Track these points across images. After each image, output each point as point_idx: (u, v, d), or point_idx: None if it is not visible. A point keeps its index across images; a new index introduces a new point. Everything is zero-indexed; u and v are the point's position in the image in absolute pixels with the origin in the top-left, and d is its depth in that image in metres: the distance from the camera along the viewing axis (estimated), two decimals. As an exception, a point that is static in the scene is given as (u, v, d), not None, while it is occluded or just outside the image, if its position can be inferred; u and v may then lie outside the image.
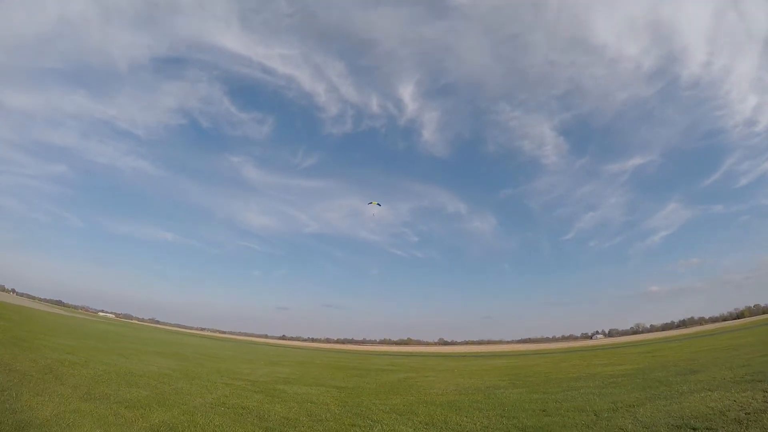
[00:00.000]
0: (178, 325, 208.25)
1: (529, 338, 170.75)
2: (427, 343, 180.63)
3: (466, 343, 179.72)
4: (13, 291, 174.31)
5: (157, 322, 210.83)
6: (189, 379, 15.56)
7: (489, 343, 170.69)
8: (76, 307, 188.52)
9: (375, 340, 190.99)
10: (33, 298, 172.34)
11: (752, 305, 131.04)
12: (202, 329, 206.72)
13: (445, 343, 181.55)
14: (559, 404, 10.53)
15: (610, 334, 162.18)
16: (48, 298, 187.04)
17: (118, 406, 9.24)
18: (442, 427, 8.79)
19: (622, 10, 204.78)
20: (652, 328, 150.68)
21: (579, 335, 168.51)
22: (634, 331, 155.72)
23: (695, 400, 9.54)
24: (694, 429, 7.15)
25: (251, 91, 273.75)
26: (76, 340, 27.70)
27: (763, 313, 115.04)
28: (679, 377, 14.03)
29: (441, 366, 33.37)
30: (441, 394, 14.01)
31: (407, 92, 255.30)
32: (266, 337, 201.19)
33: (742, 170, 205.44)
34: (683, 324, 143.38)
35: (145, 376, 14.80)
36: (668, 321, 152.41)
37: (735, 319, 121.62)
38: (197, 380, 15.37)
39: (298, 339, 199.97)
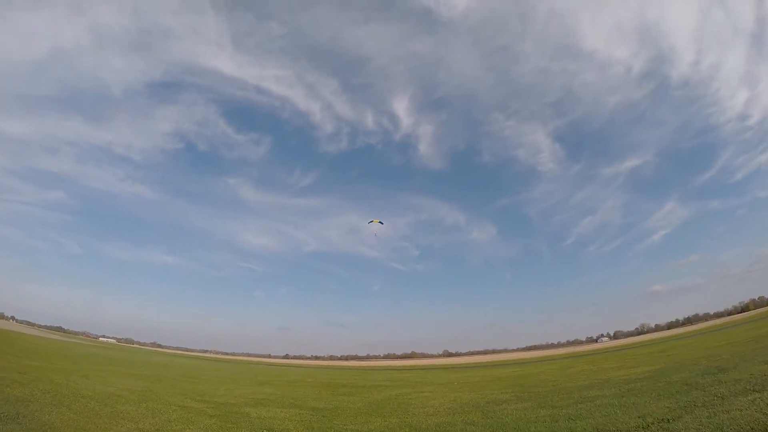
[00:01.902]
0: (180, 348, 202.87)
1: (534, 345, 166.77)
2: (432, 356, 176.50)
3: (471, 353, 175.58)
4: (13, 318, 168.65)
5: (159, 345, 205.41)
6: (143, 401, 13.78)
7: (494, 352, 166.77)
8: (76, 333, 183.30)
9: (379, 356, 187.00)
10: (32, 325, 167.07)
11: (756, 297, 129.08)
12: (205, 351, 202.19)
13: (450, 355, 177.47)
14: (573, 423, 8.44)
15: (615, 336, 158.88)
16: (48, 324, 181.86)
17: (19, 429, 7.79)
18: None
19: (609, 14, 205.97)
20: (657, 328, 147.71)
21: (584, 339, 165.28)
22: (640, 332, 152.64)
23: (743, 406, 7.55)
24: (765, 453, 5.16)
25: (247, 112, 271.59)
26: (42, 361, 25.51)
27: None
28: (708, 377, 12.03)
29: (441, 379, 31.04)
30: (432, 414, 11.88)
31: (401, 107, 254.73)
32: (269, 357, 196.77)
33: (737, 165, 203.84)
34: (688, 321, 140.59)
35: (89, 397, 13.06)
36: (673, 319, 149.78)
37: (740, 312, 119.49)
38: (151, 402, 13.59)
39: (301, 358, 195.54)
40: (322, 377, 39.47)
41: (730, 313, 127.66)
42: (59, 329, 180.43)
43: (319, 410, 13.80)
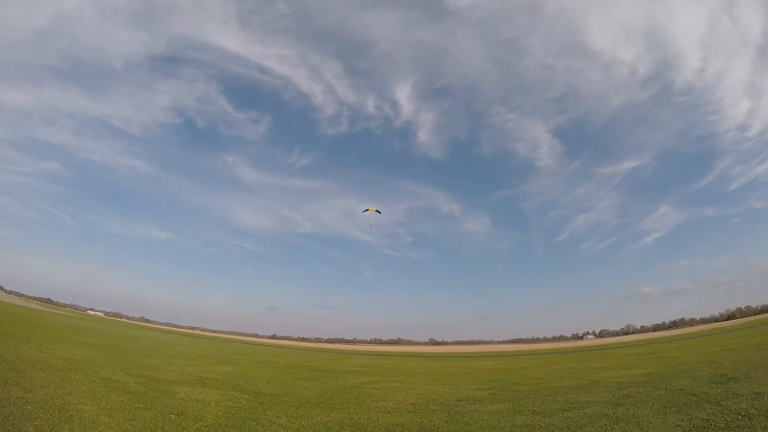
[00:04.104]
0: (168, 324, 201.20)
1: (520, 338, 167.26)
2: (417, 343, 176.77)
3: (457, 343, 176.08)
4: (1, 288, 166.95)
5: (147, 320, 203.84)
6: (67, 370, 12.44)
7: (479, 343, 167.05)
8: (64, 305, 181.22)
9: (365, 340, 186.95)
10: (21, 295, 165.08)
11: (743, 307, 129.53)
12: (192, 328, 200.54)
13: (436, 343, 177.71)
14: (559, 440, 6.50)
15: (601, 334, 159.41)
16: (37, 296, 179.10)
17: None
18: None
19: (617, 16, 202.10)
20: (643, 329, 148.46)
21: (569, 336, 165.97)
22: (625, 332, 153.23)
23: (785, 433, 5.62)
24: None
25: (248, 90, 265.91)
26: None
27: (755, 314, 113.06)
28: (717, 387, 10.17)
29: (418, 368, 29.36)
30: (389, 411, 9.94)
31: (403, 94, 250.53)
32: (256, 336, 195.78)
33: (734, 174, 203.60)
34: (674, 325, 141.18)
35: (5, 363, 11.74)
36: (659, 322, 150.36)
37: (726, 320, 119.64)
38: (74, 372, 12.18)
39: (287, 338, 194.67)
40: (297, 359, 37.82)
41: (716, 320, 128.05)
42: (48, 301, 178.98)
43: (263, 395, 11.86)
